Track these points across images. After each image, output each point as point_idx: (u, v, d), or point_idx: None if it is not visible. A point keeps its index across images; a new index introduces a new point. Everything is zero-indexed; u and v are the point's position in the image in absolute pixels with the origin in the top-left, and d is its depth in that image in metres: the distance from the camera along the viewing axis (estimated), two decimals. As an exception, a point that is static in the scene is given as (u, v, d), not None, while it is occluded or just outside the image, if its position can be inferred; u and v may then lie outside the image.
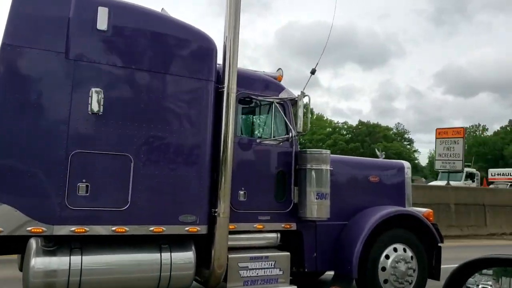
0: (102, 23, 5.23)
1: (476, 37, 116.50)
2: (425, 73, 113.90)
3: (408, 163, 8.05)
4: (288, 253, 6.42)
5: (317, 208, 6.44)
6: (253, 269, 6.09)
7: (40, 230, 4.88)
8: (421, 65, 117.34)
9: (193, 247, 5.73)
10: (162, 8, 7.50)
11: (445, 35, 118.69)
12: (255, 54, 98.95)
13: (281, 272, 6.26)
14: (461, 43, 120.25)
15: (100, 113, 5.16)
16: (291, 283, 6.21)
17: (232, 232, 6.06)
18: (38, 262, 4.94)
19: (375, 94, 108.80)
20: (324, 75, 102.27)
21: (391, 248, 6.88)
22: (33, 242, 5.08)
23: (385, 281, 6.76)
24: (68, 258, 5.06)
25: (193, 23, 5.99)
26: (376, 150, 9.06)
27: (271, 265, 6.21)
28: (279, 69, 7.19)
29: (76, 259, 5.08)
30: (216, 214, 5.71)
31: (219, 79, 5.96)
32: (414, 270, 6.96)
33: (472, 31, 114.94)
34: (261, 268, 6.14)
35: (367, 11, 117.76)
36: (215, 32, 6.06)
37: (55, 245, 5.09)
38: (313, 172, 6.46)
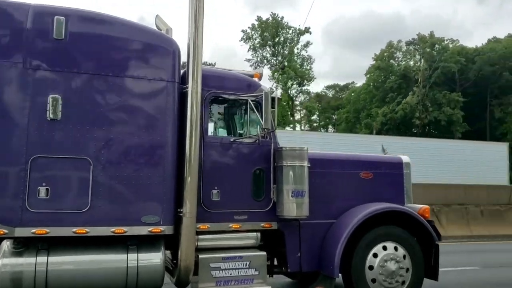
0: (58, 32, 5.43)
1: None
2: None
3: (407, 157, 7.59)
4: (264, 253, 6.26)
5: (295, 206, 6.24)
6: (226, 269, 6.01)
7: (2, 232, 5.12)
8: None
9: (162, 248, 5.76)
10: (157, 15, 7.67)
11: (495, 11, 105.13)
12: (312, 51, 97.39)
13: (256, 272, 6.12)
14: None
15: (58, 119, 5.35)
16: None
17: (205, 233, 6.04)
18: (5, 263, 5.20)
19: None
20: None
21: (379, 246, 6.54)
22: (3, 245, 5.36)
23: (373, 280, 6.43)
24: (34, 258, 5.28)
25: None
26: (382, 146, 8.66)
27: (246, 265, 6.09)
28: (260, 66, 7.12)
29: (42, 259, 5.29)
30: (181, 214, 5.71)
31: (184, 80, 5.98)
32: (407, 270, 6.56)
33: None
34: (235, 268, 6.04)
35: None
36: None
37: (23, 246, 5.33)
38: (289, 169, 6.28)
